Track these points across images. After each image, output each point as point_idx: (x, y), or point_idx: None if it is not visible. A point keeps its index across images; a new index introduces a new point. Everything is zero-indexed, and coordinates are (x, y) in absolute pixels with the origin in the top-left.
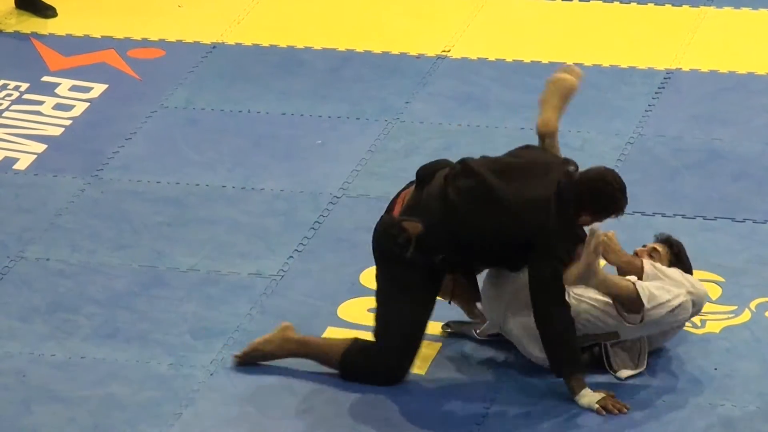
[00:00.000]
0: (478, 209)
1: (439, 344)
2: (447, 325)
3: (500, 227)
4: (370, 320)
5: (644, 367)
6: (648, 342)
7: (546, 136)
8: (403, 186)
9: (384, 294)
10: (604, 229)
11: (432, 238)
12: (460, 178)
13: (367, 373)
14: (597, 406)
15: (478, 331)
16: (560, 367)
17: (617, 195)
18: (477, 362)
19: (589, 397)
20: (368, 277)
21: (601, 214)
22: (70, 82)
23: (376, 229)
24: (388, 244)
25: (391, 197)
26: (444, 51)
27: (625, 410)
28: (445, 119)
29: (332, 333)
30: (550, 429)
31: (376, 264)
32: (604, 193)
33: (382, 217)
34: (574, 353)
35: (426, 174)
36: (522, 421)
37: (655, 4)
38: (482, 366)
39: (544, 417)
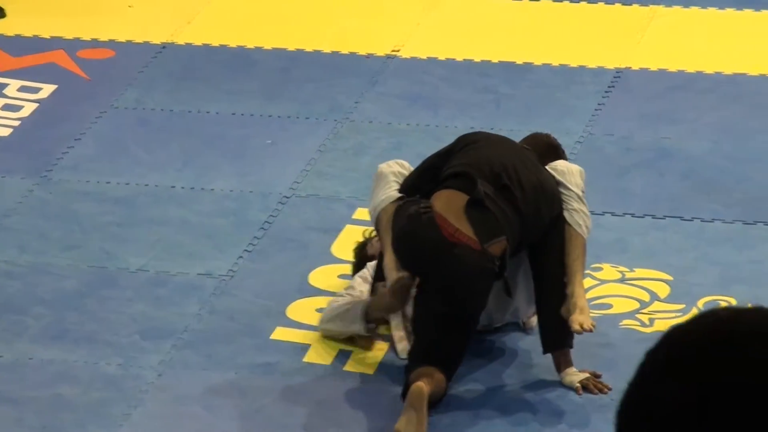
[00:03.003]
0: (540, 207)
1: (387, 344)
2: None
3: (551, 214)
4: (317, 320)
5: None
6: None
7: None
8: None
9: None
10: None
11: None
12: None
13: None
14: (578, 385)
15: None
16: (558, 338)
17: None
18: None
19: (572, 376)
20: (317, 278)
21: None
22: (18, 83)
23: (459, 266)
24: (484, 277)
25: (342, 197)
26: (394, 50)
27: (606, 390)
28: (395, 119)
29: (281, 333)
30: (504, 428)
31: (447, 292)
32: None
33: (443, 247)
34: (566, 325)
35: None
36: (472, 418)
37: (605, 3)
38: None
39: (495, 415)
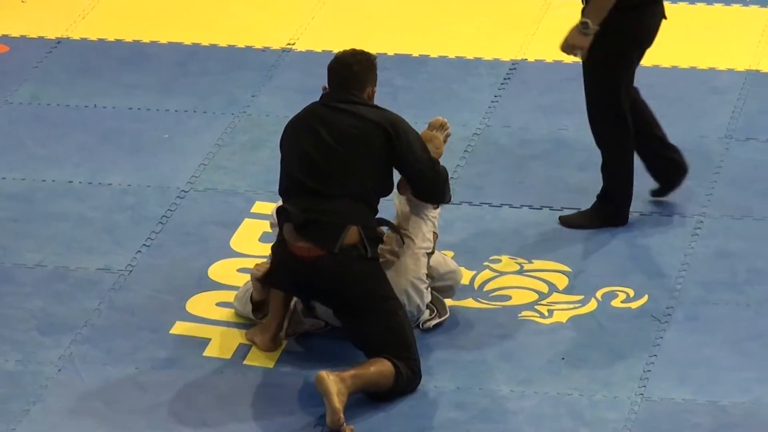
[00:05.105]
0: (353, 172)
1: (286, 339)
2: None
3: (375, 154)
4: (217, 314)
5: (448, 313)
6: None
7: None
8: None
9: (371, 308)
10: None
11: (367, 228)
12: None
13: (412, 387)
14: None
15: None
16: None
17: (368, 56)
18: (323, 356)
19: None
20: (216, 271)
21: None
22: None
23: (330, 278)
24: (355, 266)
25: (240, 191)
26: (289, 44)
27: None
28: (292, 112)
29: (181, 327)
30: (399, 419)
31: (342, 299)
32: (371, 63)
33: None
34: None
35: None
36: (369, 412)
37: None
38: (328, 360)
39: (395, 407)
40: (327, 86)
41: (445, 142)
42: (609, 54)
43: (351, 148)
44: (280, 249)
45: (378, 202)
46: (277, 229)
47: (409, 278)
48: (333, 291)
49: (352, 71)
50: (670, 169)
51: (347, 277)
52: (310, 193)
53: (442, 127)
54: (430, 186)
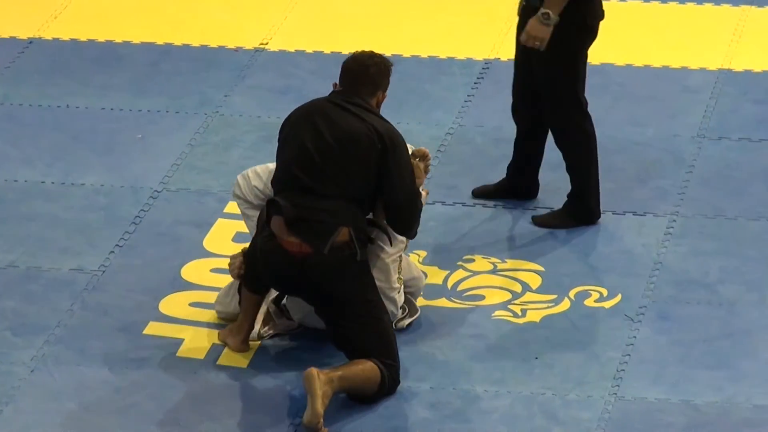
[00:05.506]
0: (345, 173)
1: (258, 340)
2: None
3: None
4: (191, 314)
5: (418, 311)
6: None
7: None
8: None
9: (358, 312)
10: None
11: (358, 230)
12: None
13: (392, 392)
14: None
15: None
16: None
17: (385, 61)
18: (295, 357)
19: None
20: (189, 272)
21: (387, 83)
22: None
23: (314, 274)
24: (342, 267)
25: (213, 191)
26: (262, 44)
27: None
28: (264, 112)
29: (154, 328)
30: (373, 419)
31: (328, 299)
32: (387, 69)
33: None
34: None
35: (288, 211)
36: (343, 411)
37: None
38: (301, 360)
39: (369, 407)
40: (338, 83)
41: (426, 172)
42: (567, 47)
43: (350, 150)
44: (268, 242)
45: (369, 206)
46: (241, 202)
47: (381, 287)
48: (320, 289)
49: (367, 73)
50: (520, 188)
51: (337, 276)
52: (304, 189)
53: (424, 157)
54: (403, 212)
